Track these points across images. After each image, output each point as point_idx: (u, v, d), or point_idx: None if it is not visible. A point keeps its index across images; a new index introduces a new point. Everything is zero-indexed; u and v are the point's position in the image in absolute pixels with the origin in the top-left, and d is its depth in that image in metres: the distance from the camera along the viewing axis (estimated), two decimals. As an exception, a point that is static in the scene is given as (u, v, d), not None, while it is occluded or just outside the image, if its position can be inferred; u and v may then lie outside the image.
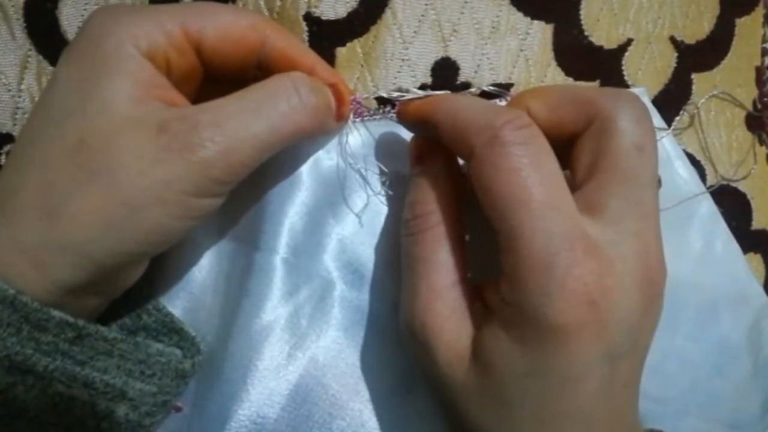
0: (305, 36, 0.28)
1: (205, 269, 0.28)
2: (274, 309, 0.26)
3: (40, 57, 0.27)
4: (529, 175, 0.21)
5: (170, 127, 0.21)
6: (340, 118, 0.26)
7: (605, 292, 0.20)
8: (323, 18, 0.28)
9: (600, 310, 0.20)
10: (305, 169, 0.27)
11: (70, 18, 0.27)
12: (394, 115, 0.28)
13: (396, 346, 0.27)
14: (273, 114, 0.22)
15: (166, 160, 0.20)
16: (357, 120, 0.27)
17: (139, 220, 0.21)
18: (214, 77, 0.25)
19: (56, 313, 0.21)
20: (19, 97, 0.27)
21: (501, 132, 0.21)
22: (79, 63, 0.22)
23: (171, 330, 0.26)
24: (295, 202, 0.27)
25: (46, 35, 0.27)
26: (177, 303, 0.27)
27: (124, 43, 0.21)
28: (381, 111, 0.28)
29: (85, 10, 0.27)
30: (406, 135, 0.28)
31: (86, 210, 0.20)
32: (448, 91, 0.27)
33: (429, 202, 0.24)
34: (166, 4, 0.24)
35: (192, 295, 0.27)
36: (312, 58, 0.25)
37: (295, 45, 0.25)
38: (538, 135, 0.22)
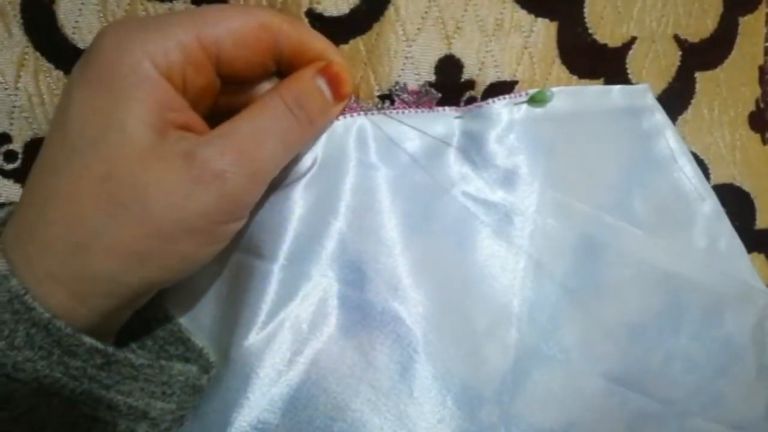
0: (307, 33, 0.28)
1: (208, 277, 0.27)
2: (275, 316, 0.26)
3: (38, 54, 0.26)
4: None
5: (197, 156, 0.21)
6: (341, 98, 0.25)
7: None
8: (325, 14, 0.27)
9: None
10: (305, 172, 0.27)
11: (67, 13, 0.26)
12: (394, 110, 0.28)
13: (396, 345, 0.27)
14: (279, 131, 0.23)
15: (198, 191, 0.21)
16: (355, 115, 0.27)
17: (170, 251, 0.21)
18: (230, 83, 0.24)
19: (87, 339, 0.21)
20: (16, 95, 0.27)
21: None
22: (95, 85, 0.21)
23: (178, 339, 0.26)
24: (296, 207, 0.26)
25: (43, 32, 0.26)
26: (180, 310, 0.27)
27: (141, 62, 0.21)
28: (380, 106, 0.28)
29: (83, 4, 0.26)
30: (406, 130, 0.28)
31: (118, 243, 0.20)
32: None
33: None
34: (178, 13, 0.24)
35: (195, 302, 0.27)
36: (322, 44, 0.25)
37: (306, 33, 0.25)
38: None
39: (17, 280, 0.20)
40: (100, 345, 0.21)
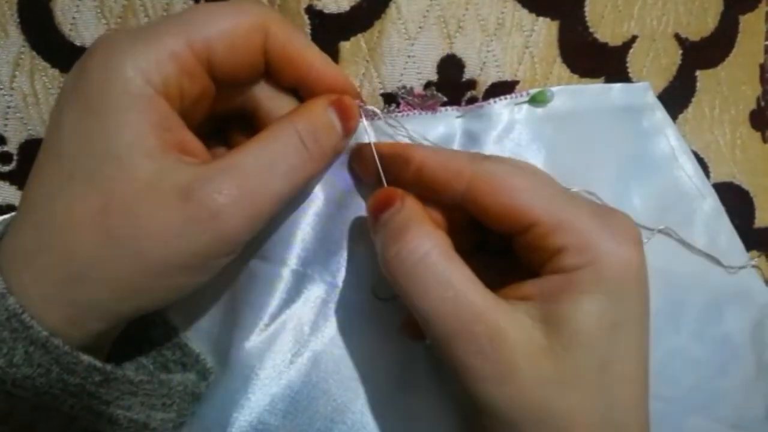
0: (307, 30, 0.27)
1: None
2: (277, 317, 0.26)
3: (34, 53, 0.26)
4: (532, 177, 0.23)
5: (193, 194, 0.20)
6: (348, 133, 0.24)
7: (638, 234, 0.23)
8: (325, 11, 0.27)
9: (639, 245, 0.22)
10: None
11: (64, 10, 0.26)
12: (399, 113, 0.28)
13: (396, 347, 0.27)
14: (287, 168, 0.22)
15: (192, 231, 0.20)
16: (363, 121, 0.27)
17: (163, 284, 0.21)
18: (223, 86, 0.23)
19: (85, 358, 0.21)
20: (11, 96, 0.26)
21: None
22: (87, 108, 0.20)
23: (175, 344, 0.26)
24: (300, 211, 0.26)
25: (40, 30, 0.26)
26: (179, 311, 0.27)
27: (133, 80, 0.20)
28: (385, 110, 0.27)
29: (80, 0, 0.26)
30: (410, 133, 0.27)
31: (112, 276, 0.20)
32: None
33: (415, 235, 0.22)
34: (166, 20, 0.23)
35: (194, 305, 0.27)
36: (312, 54, 0.24)
37: (296, 40, 0.24)
38: None
39: (14, 299, 0.20)
40: (98, 363, 0.21)
